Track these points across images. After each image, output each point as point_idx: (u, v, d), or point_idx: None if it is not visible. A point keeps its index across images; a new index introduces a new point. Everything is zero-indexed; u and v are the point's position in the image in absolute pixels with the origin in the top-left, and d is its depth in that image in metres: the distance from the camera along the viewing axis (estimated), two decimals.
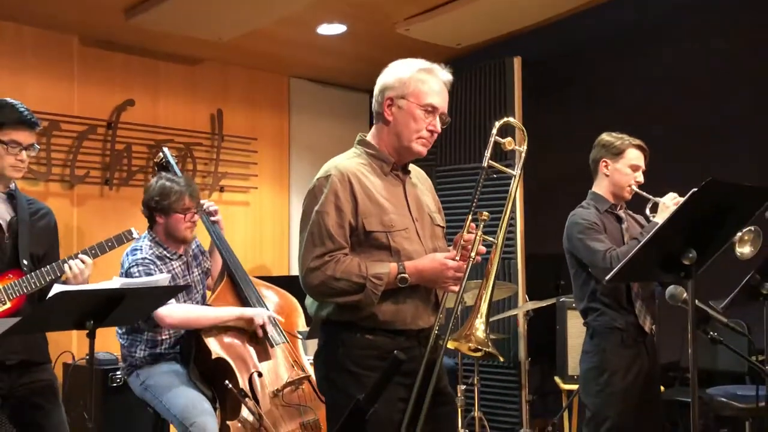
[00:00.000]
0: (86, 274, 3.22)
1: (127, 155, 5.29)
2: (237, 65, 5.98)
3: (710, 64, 5.37)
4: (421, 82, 2.73)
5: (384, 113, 2.76)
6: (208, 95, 5.81)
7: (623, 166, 3.70)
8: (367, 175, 2.72)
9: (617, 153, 3.71)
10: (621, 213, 3.76)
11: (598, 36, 5.84)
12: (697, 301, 2.52)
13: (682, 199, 3.44)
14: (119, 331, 3.81)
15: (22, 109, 3.18)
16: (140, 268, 3.67)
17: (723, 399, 4.56)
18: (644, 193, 3.69)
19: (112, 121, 5.23)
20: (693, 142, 5.29)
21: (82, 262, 3.21)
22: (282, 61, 6.07)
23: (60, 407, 3.32)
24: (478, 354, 2.69)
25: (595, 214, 3.67)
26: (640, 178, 3.71)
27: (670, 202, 3.50)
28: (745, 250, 3.34)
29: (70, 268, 3.18)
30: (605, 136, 3.79)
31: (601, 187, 3.77)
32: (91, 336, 2.94)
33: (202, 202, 3.99)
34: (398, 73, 2.76)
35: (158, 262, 3.75)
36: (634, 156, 3.71)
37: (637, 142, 3.73)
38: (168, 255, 3.81)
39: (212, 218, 4.06)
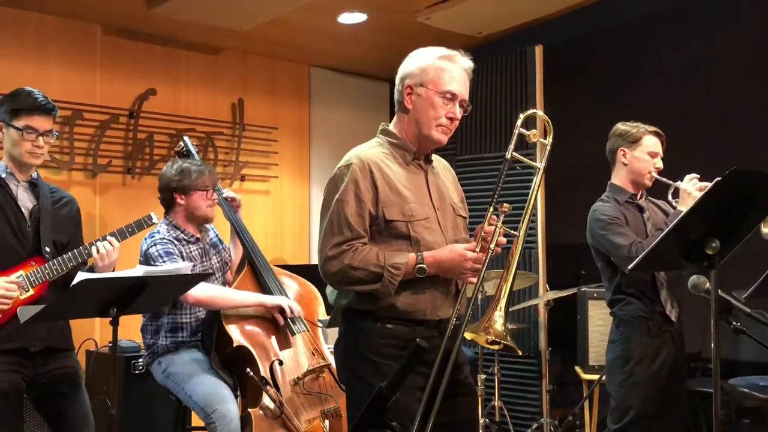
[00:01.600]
0: (114, 256, 3.23)
1: (148, 144, 5.32)
2: (258, 54, 5.99)
3: (732, 53, 5.31)
4: (440, 69, 2.71)
5: (404, 101, 2.76)
6: (229, 84, 5.83)
7: (641, 153, 3.68)
8: (388, 164, 2.71)
9: (634, 141, 3.69)
10: (642, 202, 3.73)
11: (620, 24, 5.78)
12: (719, 290, 2.50)
13: (703, 183, 3.45)
14: (144, 318, 3.84)
15: (38, 96, 3.20)
16: (158, 247, 3.68)
17: (745, 389, 4.52)
18: (665, 179, 3.66)
19: (134, 111, 5.26)
20: (714, 131, 5.24)
21: (110, 244, 3.23)
22: (302, 50, 6.07)
23: (83, 394, 3.35)
24: (496, 346, 2.68)
25: (615, 208, 3.64)
26: (659, 164, 3.69)
27: (691, 188, 3.49)
28: None
29: (98, 249, 3.20)
30: (620, 126, 3.77)
31: (619, 177, 3.75)
32: (114, 323, 2.96)
33: (223, 191, 4.01)
34: (418, 60, 2.75)
35: (176, 243, 3.77)
36: (652, 142, 3.69)
37: (653, 128, 3.71)
38: (185, 238, 3.83)
39: (234, 203, 4.07)
